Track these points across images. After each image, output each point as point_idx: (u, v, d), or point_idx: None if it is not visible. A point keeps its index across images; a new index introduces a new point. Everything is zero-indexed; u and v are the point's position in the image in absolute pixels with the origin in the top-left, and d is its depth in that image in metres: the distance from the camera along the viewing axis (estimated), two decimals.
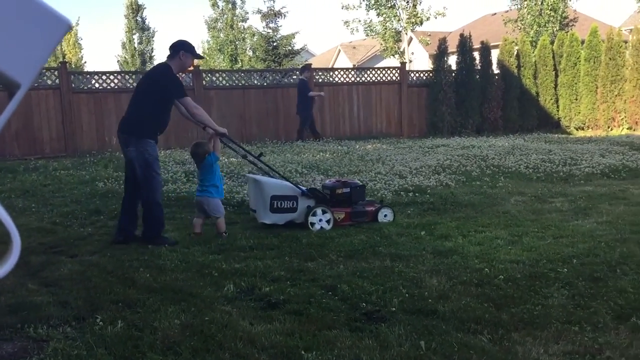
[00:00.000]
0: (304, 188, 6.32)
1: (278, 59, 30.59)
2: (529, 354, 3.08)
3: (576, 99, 18.06)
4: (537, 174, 9.40)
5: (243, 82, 15.42)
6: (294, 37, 32.00)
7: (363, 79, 16.77)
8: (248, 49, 35.18)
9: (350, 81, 16.55)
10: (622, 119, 17.36)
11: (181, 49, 5.73)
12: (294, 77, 16.10)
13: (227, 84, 15.11)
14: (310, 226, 6.08)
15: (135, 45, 44.21)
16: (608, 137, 14.82)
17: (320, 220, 6.16)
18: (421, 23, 26.37)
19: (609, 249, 4.97)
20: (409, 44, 27.76)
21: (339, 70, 16.93)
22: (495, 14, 36.89)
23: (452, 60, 17.53)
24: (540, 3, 24.07)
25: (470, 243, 5.33)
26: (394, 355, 3.07)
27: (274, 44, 31.25)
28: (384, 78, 16.85)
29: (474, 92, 17.12)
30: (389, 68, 17.34)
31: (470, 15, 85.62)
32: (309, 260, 4.91)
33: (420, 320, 3.52)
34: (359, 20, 27.46)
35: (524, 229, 5.85)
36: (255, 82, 15.69)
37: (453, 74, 17.20)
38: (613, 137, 14.72)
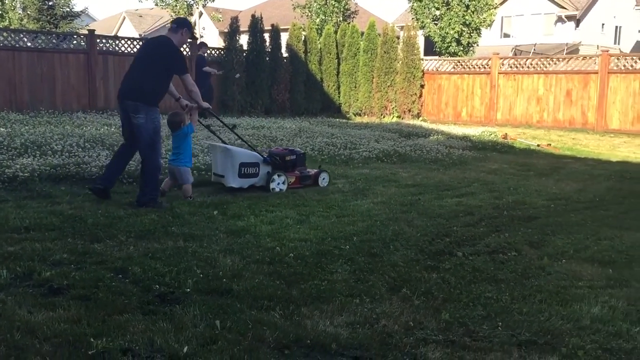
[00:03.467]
0: (265, 156, 7.10)
1: (54, 20, 27.91)
2: (317, 326, 3.29)
3: (355, 87, 19.49)
4: (322, 156, 9.97)
5: (13, 42, 13.78)
6: None
7: None
8: (18, 6, 31.48)
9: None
10: (393, 108, 19.19)
11: (185, 26, 6.12)
12: (75, 42, 14.88)
13: None
14: (269, 188, 6.94)
15: None
16: (381, 124, 16.23)
17: (278, 183, 7.05)
18: None
19: (384, 227, 5.50)
20: (199, 18, 27.33)
21: (125, 40, 15.96)
22: None
23: (244, 40, 17.68)
24: None
25: (262, 222, 5.48)
26: (189, 337, 3.05)
27: (50, 3, 28.38)
28: None
29: (264, 74, 17.50)
30: None
31: None
32: (95, 241, 4.62)
33: (215, 300, 3.55)
34: None
35: (311, 208, 6.18)
36: (29, 44, 14.13)
37: (244, 54, 17.38)
38: (386, 124, 16.16)
